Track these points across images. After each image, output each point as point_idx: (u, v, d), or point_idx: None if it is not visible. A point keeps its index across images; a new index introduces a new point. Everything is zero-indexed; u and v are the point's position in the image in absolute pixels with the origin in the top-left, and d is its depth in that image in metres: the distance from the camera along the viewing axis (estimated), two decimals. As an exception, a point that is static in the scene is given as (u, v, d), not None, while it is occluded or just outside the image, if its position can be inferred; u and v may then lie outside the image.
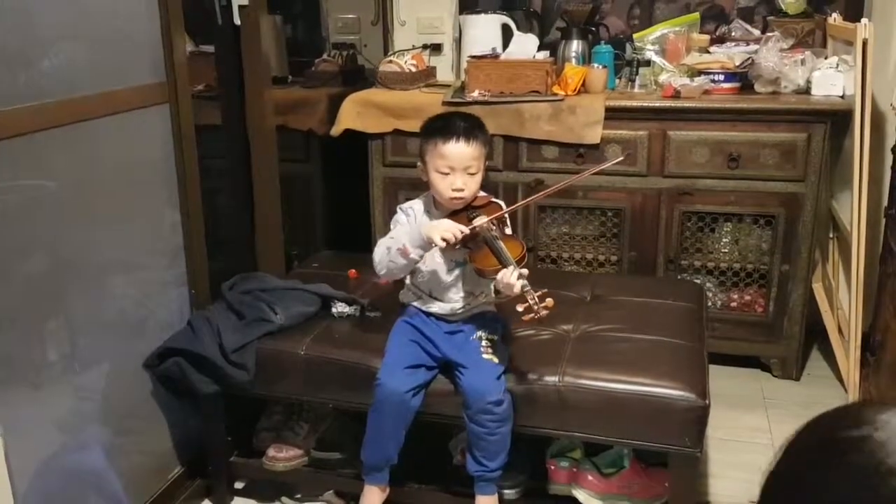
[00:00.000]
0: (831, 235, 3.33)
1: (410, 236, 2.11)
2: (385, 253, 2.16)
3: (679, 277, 3.13)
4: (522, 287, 1.96)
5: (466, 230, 2.07)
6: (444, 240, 2.03)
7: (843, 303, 3.14)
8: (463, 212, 2.20)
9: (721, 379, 3.14)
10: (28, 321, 1.97)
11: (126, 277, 2.30)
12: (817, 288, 3.30)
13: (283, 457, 2.45)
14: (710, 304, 3.14)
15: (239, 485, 2.59)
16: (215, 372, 2.32)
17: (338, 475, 2.44)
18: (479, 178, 2.20)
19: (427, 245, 2.08)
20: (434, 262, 2.23)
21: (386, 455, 2.19)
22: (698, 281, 3.09)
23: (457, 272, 2.24)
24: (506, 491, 2.28)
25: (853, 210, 2.86)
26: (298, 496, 2.52)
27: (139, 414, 2.40)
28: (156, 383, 2.41)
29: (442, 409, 2.22)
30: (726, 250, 3.15)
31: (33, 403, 2.02)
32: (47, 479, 2.05)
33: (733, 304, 3.17)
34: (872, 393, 2.84)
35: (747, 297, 3.15)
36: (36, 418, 2.02)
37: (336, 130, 3.18)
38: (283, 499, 2.52)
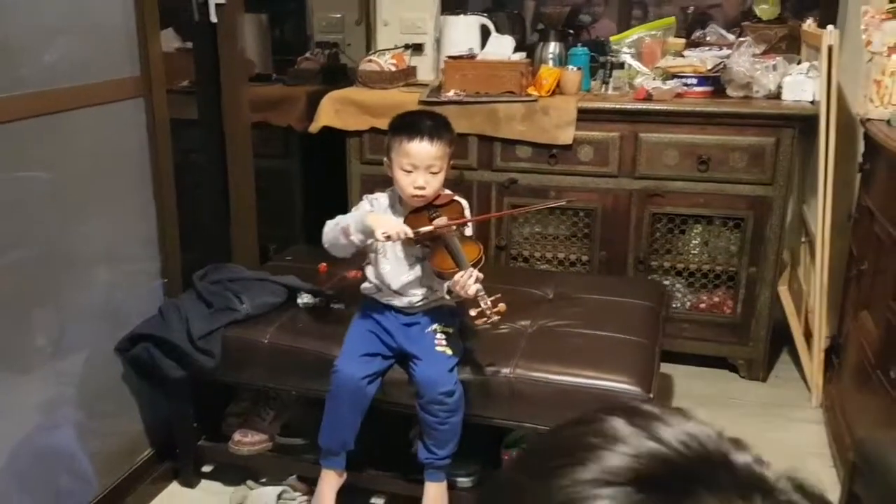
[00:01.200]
0: (803, 240, 3.38)
1: (355, 220, 2.17)
2: (332, 228, 2.23)
3: (649, 278, 3.18)
4: (476, 291, 2.02)
5: (411, 234, 2.12)
6: (385, 235, 2.10)
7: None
8: (424, 210, 2.24)
9: (688, 378, 3.21)
10: (8, 308, 2.06)
11: (101, 266, 2.38)
12: (783, 291, 3.35)
13: (248, 441, 2.53)
14: (678, 304, 3.20)
15: (207, 468, 2.65)
16: (182, 357, 2.40)
17: (301, 461, 2.51)
18: (441, 177, 2.24)
19: (368, 233, 2.14)
20: (395, 257, 2.29)
21: (342, 440, 2.26)
22: (667, 282, 3.15)
23: (417, 268, 2.29)
24: (460, 479, 2.34)
25: (818, 214, 2.91)
26: (263, 480, 2.59)
27: (111, 397, 2.48)
28: (127, 368, 2.49)
29: (398, 398, 2.29)
30: (696, 252, 3.20)
31: (8, 387, 2.10)
32: (20, 459, 2.13)
33: (702, 305, 3.22)
34: (833, 395, 2.89)
35: (716, 299, 3.21)
36: (10, 401, 2.10)
37: (314, 127, 3.25)
38: (249, 482, 2.59)
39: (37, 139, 2.09)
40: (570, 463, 0.50)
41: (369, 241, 2.18)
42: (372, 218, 2.15)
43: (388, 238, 2.11)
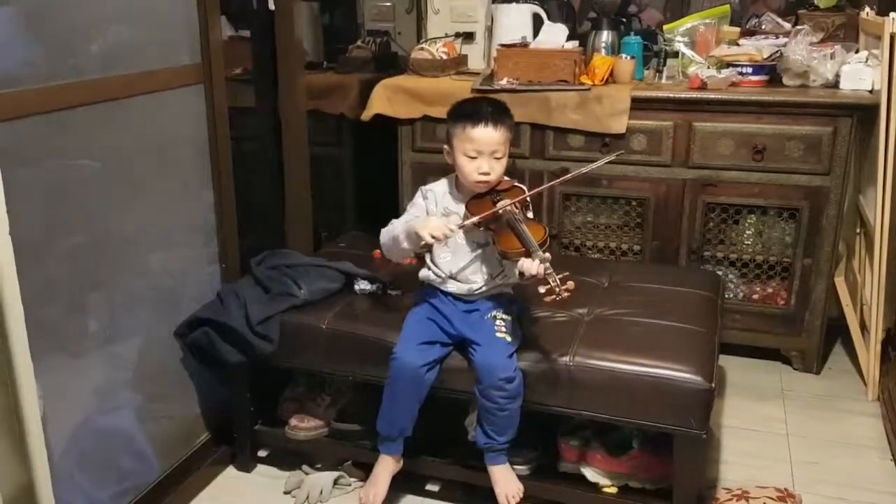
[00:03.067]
0: (858, 231, 3.34)
1: (403, 230, 2.23)
2: (387, 236, 2.30)
3: (702, 268, 3.16)
4: (545, 270, 2.04)
5: (455, 228, 2.17)
6: (432, 237, 2.14)
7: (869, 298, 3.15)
8: (487, 195, 2.26)
9: (741, 370, 3.19)
10: (69, 293, 2.08)
11: (161, 252, 2.40)
12: (839, 282, 3.31)
13: (304, 426, 2.55)
14: (731, 295, 3.17)
15: (263, 453, 2.67)
16: (241, 342, 2.42)
17: (356, 446, 2.52)
18: (504, 162, 2.26)
19: (416, 240, 2.19)
20: (455, 244, 2.29)
21: (400, 426, 2.27)
22: (720, 272, 3.12)
23: (477, 254, 2.30)
24: (517, 467, 2.34)
25: (877, 205, 2.87)
26: (319, 466, 2.61)
27: (170, 382, 2.50)
28: (186, 353, 2.51)
29: (456, 385, 2.29)
30: (749, 242, 3.16)
31: (71, 370, 2.13)
32: (82, 441, 2.16)
33: (755, 296, 3.19)
34: (889, 387, 2.85)
35: (769, 290, 3.17)
36: (73, 384, 2.13)
37: (367, 115, 3.26)
38: (304, 467, 2.60)
39: (99, 125, 2.11)
40: None
41: (421, 244, 2.21)
42: (417, 224, 2.19)
43: (435, 239, 2.14)
